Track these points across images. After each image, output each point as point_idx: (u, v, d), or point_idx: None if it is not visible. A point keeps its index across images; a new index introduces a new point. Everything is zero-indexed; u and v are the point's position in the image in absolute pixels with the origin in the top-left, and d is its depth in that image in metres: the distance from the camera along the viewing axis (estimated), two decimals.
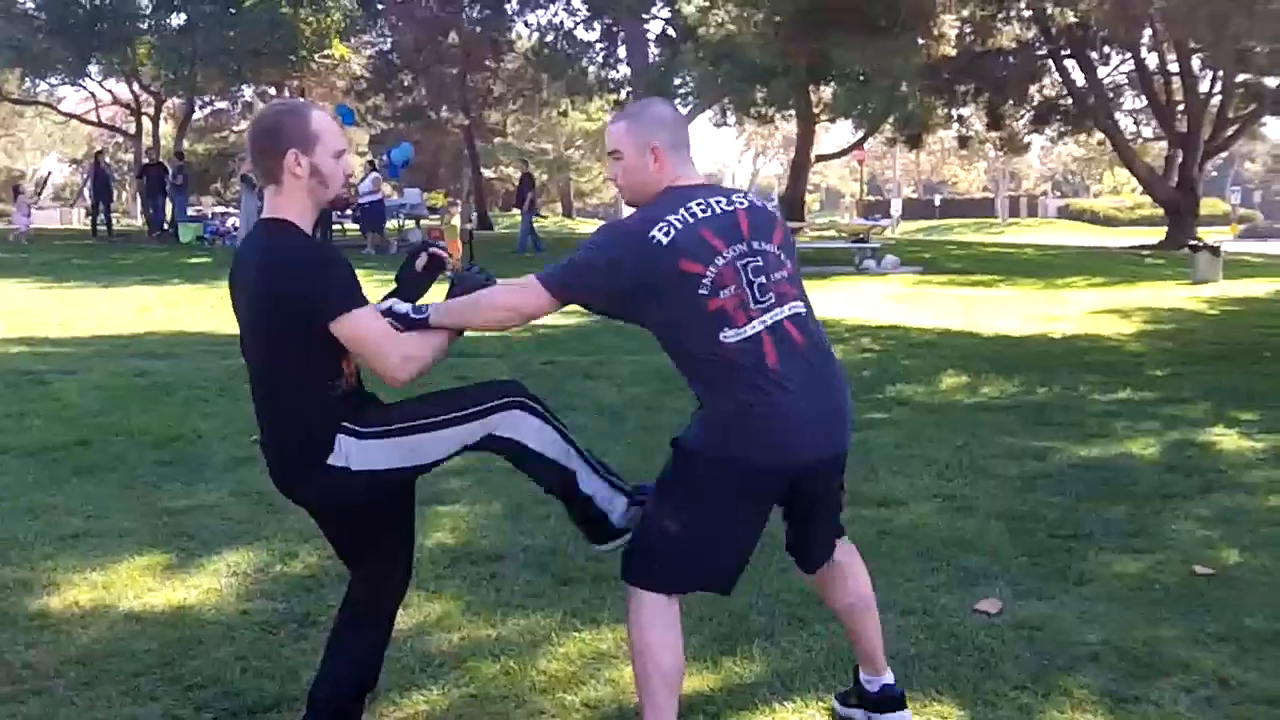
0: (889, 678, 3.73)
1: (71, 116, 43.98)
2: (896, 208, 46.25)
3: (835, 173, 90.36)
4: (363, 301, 3.08)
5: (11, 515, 5.86)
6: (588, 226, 53.77)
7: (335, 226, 25.72)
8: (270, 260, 3.10)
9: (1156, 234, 35.21)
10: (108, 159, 32.16)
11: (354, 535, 3.42)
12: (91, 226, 28.69)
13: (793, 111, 29.50)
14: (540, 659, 4.20)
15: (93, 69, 32.34)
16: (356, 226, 27.60)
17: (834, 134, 44.61)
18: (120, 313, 14.17)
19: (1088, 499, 6.39)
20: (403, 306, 3.34)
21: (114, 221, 29.38)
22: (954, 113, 34.66)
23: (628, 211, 3.44)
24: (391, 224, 28.37)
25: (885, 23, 16.72)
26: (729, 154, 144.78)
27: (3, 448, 7.27)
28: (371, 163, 28.58)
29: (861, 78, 21.85)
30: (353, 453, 3.12)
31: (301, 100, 3.40)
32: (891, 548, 5.55)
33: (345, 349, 3.12)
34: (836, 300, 16.85)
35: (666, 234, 3.21)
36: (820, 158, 42.58)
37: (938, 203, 64.94)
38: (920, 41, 18.87)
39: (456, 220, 20.37)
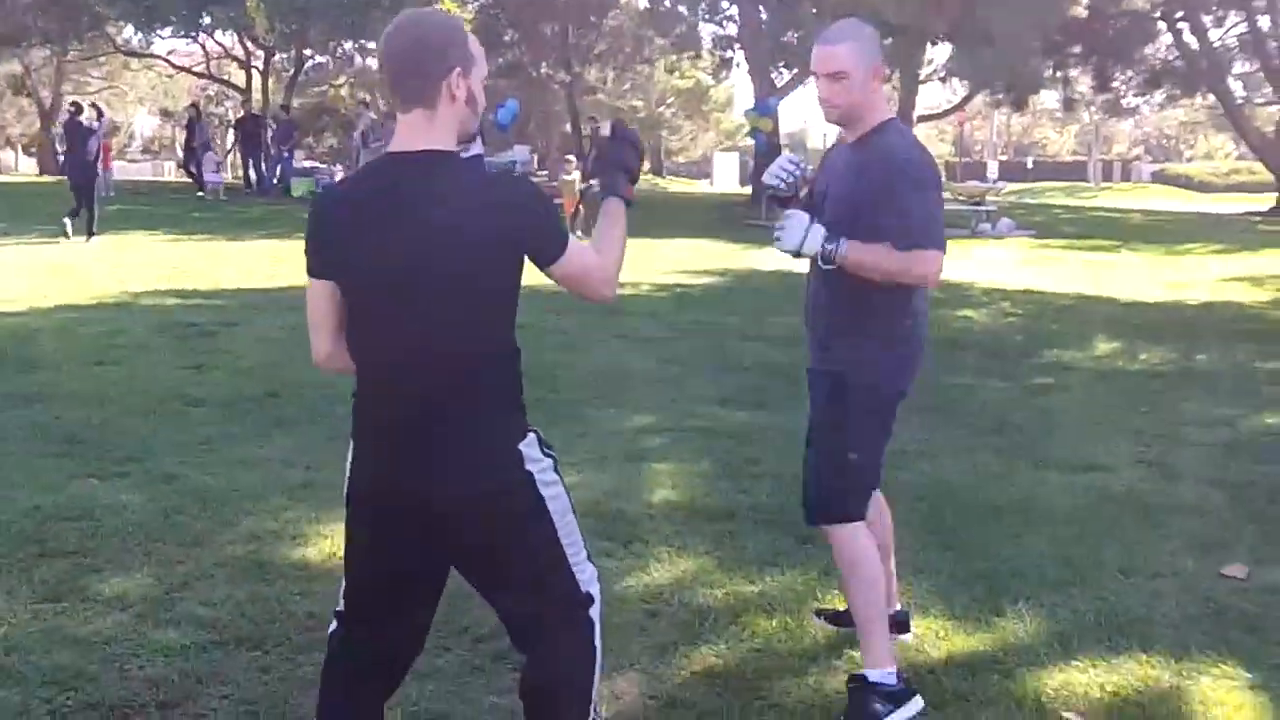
0: (899, 606, 4.00)
1: (180, 69, 44.30)
2: (994, 170, 45.43)
3: (921, 134, 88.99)
4: (569, 232, 2.70)
5: (229, 466, 5.93)
6: (679, 185, 53.62)
7: None
8: (476, 191, 2.58)
9: (1262, 200, 34.38)
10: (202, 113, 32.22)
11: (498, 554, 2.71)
12: (196, 180, 28.60)
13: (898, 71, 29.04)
14: (812, 618, 4.18)
15: (205, 20, 32.54)
16: None
17: (924, 94, 43.85)
18: (257, 265, 14.34)
19: None
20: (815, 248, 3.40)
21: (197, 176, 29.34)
22: (1061, 74, 33.99)
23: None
24: None
25: None
26: (817, 112, 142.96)
27: (195, 400, 7.37)
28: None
29: (981, 39, 21.45)
30: (534, 458, 2.65)
31: (446, 12, 2.87)
32: (1114, 513, 5.50)
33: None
34: (961, 263, 16.58)
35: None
36: (923, 118, 42.00)
37: (1030, 165, 63.72)
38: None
39: (575, 176, 20.27)
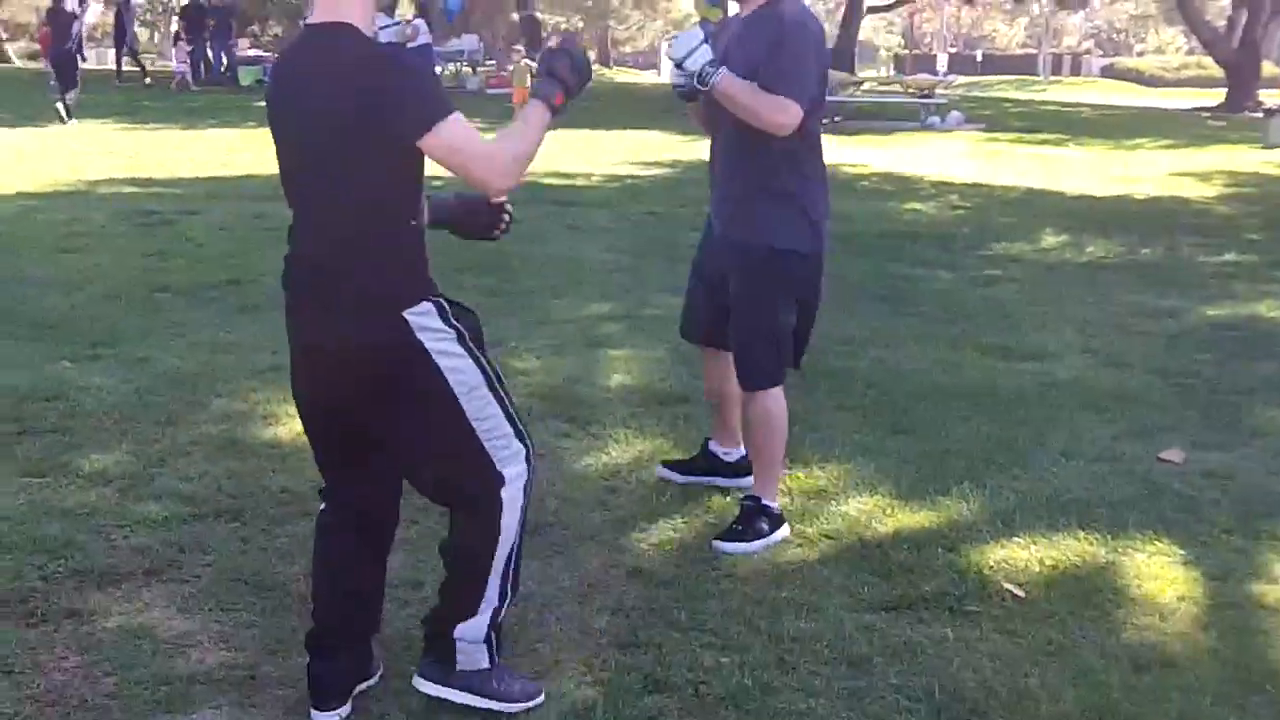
0: (744, 450, 4.33)
1: None
2: (943, 63, 45.33)
3: (869, 25, 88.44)
4: (453, 109, 2.64)
5: (199, 350, 6.06)
6: (626, 76, 53.06)
7: None
8: (345, 71, 2.63)
9: (1212, 96, 34.55)
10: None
11: (381, 414, 2.82)
12: (138, 68, 28.29)
13: None
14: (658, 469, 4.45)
15: None
16: None
17: None
18: (212, 155, 14.22)
19: (1236, 357, 6.52)
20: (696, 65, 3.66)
21: (144, 65, 28.83)
22: None
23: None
24: (449, 69, 28.16)
25: None
26: None
27: (160, 286, 7.44)
28: (420, 7, 28.14)
29: None
30: (427, 327, 2.74)
31: None
32: (1059, 399, 5.73)
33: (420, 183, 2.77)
34: (910, 156, 16.73)
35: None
36: (872, 9, 41.78)
37: (979, 59, 63.54)
38: None
39: (525, 63, 20.09)
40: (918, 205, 12.44)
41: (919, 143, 19.15)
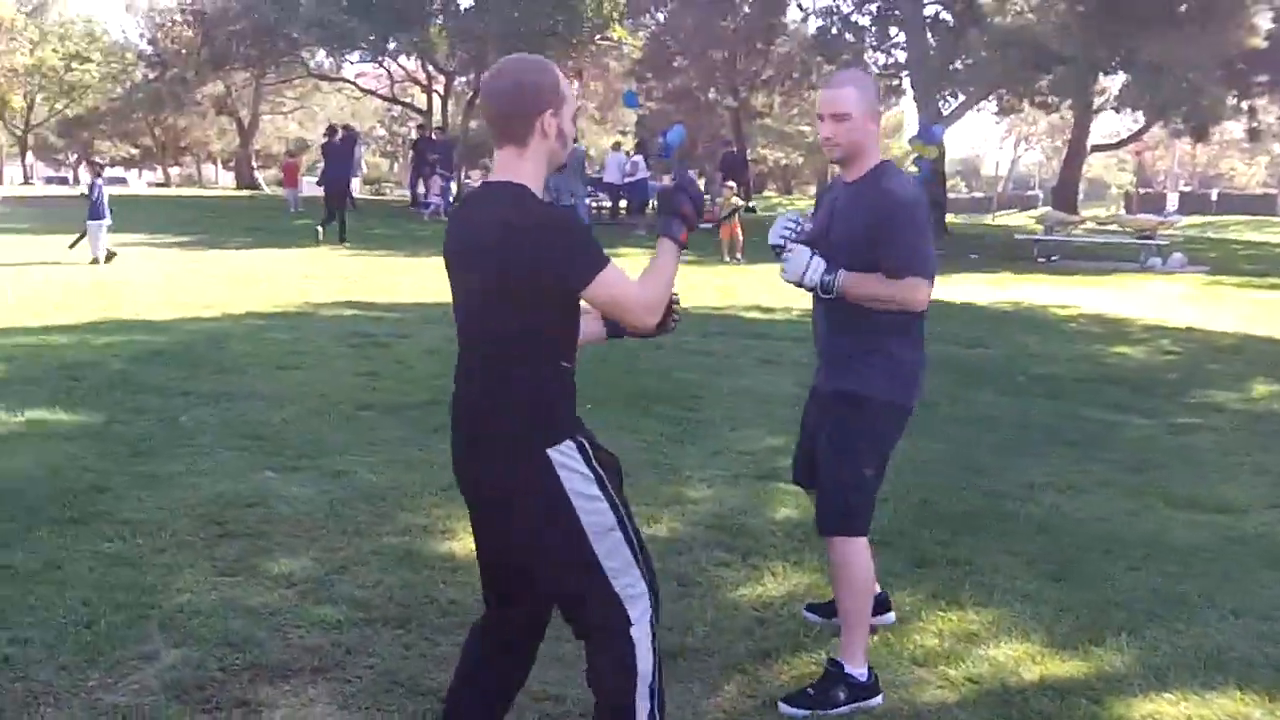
0: (878, 590, 4.31)
1: (367, 92, 46.37)
2: (1174, 202, 44.14)
3: (1100, 162, 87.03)
4: (608, 261, 2.88)
5: (393, 466, 6.44)
6: None
7: (588, 202, 26.19)
8: (513, 231, 2.86)
9: None
10: (384, 132, 33.38)
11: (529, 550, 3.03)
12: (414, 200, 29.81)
13: (1068, 100, 28.71)
14: (914, 634, 4.43)
15: (390, 46, 34.08)
16: (614, 204, 28.27)
17: (1101, 123, 42.78)
18: (430, 281, 15.01)
19: None
20: (816, 280, 3.84)
21: (380, 193, 30.57)
22: (1245, 104, 32.99)
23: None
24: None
25: (1192, 13, 16.07)
26: (986, 140, 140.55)
27: (364, 404, 7.93)
28: (640, 143, 29.17)
29: (1156, 68, 21.12)
30: (567, 465, 2.94)
31: (542, 57, 3.19)
32: (1240, 554, 5.55)
33: (575, 328, 3.01)
34: (1125, 298, 16.41)
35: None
36: (1097, 148, 41.23)
37: (1214, 198, 61.62)
38: (1230, 31, 18.08)
39: (736, 200, 20.62)
40: (1125, 349, 12.19)
41: (1137, 285, 18.73)
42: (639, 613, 3.00)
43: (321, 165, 21.71)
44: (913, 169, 28.44)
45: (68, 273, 14.61)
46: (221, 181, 61.17)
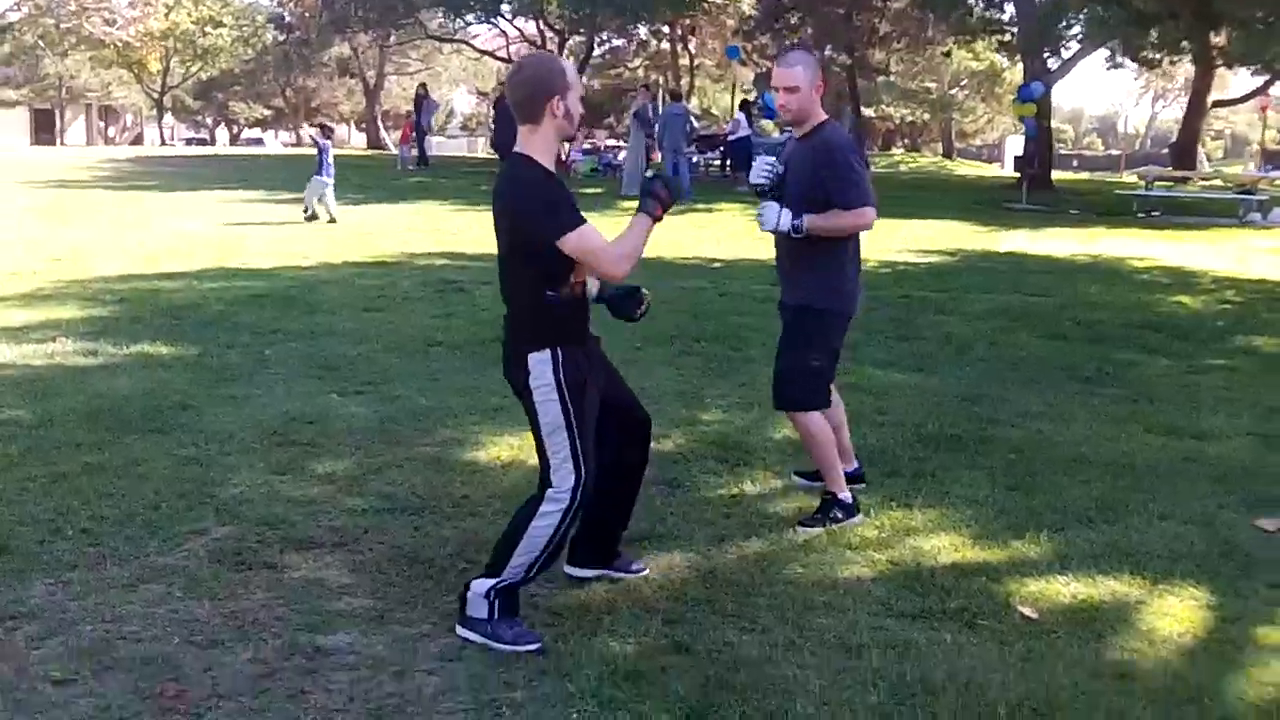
0: (855, 465, 5.51)
1: (484, 53, 47.57)
2: None
3: (1244, 119, 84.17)
4: (581, 221, 3.75)
5: (445, 392, 7.24)
6: (966, 168, 53.02)
7: (695, 160, 26.71)
8: (514, 191, 3.83)
9: None
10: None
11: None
12: (421, 158, 30.27)
13: (1185, 57, 28.31)
14: (859, 529, 5.08)
15: (504, 7, 35.05)
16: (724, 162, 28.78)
17: (1244, 77, 41.69)
18: None
19: None
20: (786, 226, 4.91)
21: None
22: None
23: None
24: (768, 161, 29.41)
25: None
26: (1125, 96, 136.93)
27: (435, 341, 8.77)
28: (745, 103, 29.57)
29: (1261, 24, 20.88)
30: (538, 368, 3.87)
31: (552, 54, 4.19)
32: (1191, 472, 6.07)
33: (571, 263, 3.82)
34: (1210, 252, 16.49)
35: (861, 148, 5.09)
36: (1219, 103, 40.34)
37: None
38: None
39: None
40: (1185, 298, 12.44)
41: (1228, 239, 18.68)
42: (557, 492, 3.92)
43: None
44: (1021, 127, 28.55)
45: (186, 225, 15.75)
46: (353, 141, 62.96)
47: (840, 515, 5.08)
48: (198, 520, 4.93)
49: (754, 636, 3.99)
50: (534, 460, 5.71)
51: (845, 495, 5.14)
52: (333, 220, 16.59)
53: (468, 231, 16.07)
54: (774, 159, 5.11)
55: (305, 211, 16.87)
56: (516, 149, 3.90)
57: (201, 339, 8.58)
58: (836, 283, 5.07)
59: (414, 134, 30.27)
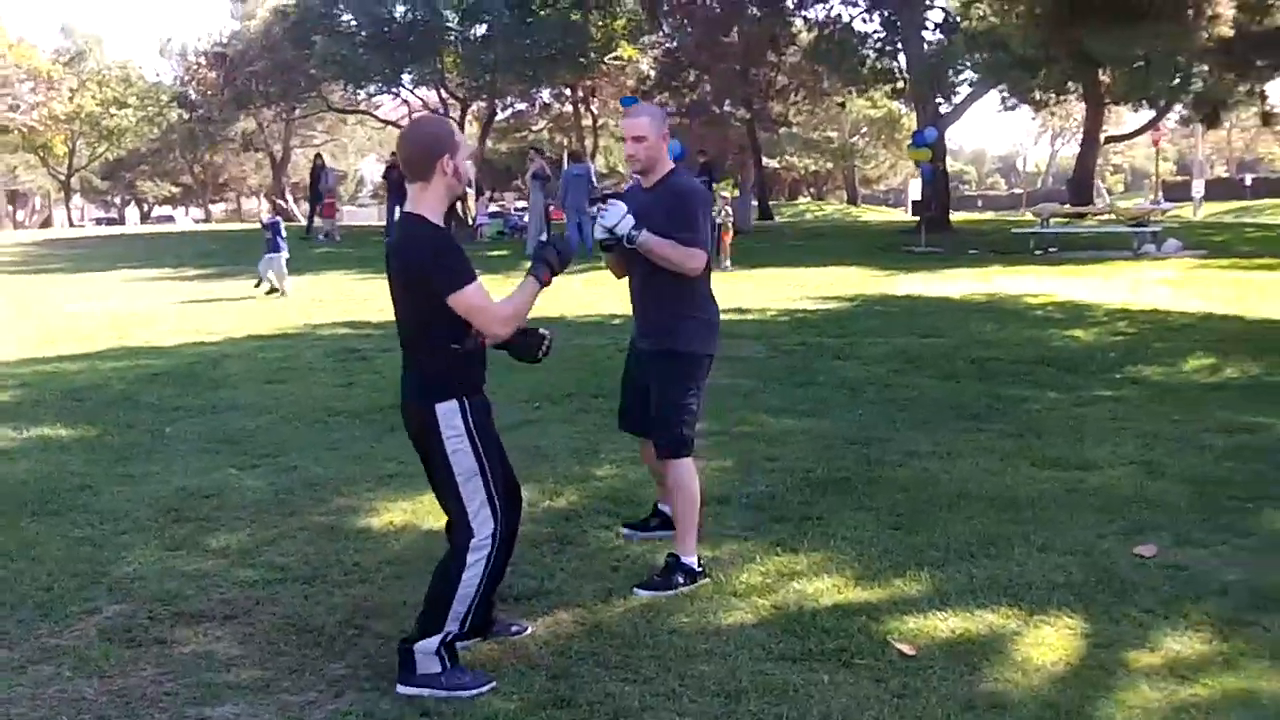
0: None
1: (387, 123, 47.74)
2: (1198, 188, 44.26)
3: (1142, 153, 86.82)
4: (471, 279, 3.92)
5: (342, 460, 7.28)
6: (871, 214, 53.97)
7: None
8: (408, 247, 3.97)
9: None
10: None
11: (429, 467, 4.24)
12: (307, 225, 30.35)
13: (1075, 96, 29.17)
14: (744, 574, 5.20)
15: (405, 78, 35.26)
16: None
17: (1142, 112, 42.98)
18: None
19: None
20: (624, 230, 4.96)
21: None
22: (1256, 89, 33.19)
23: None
24: None
25: (1145, 7, 16.58)
26: (1025, 135, 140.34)
27: (335, 410, 8.80)
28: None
29: (1139, 63, 21.64)
30: (447, 419, 4.01)
31: (442, 117, 4.38)
32: (1073, 503, 6.25)
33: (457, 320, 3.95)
34: (1104, 285, 16.95)
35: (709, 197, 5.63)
36: (1112, 138, 41.58)
37: (1247, 183, 61.45)
38: (1193, 23, 18.51)
39: (728, 211, 21.30)
40: (1078, 332, 12.77)
41: (1121, 271, 19.23)
42: (479, 540, 4.04)
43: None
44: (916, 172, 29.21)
45: (91, 306, 15.62)
46: (264, 215, 62.68)
47: (683, 581, 5.03)
48: (90, 600, 4.93)
49: (636, 687, 4.07)
50: (426, 524, 5.89)
51: (692, 560, 5.12)
52: (281, 293, 16.73)
53: (373, 300, 16.07)
54: (625, 207, 5.06)
55: (258, 284, 17.02)
56: (407, 208, 4.04)
57: (102, 419, 8.53)
58: (696, 325, 5.17)
59: (319, 205, 30.18)
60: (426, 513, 6.11)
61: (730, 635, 4.54)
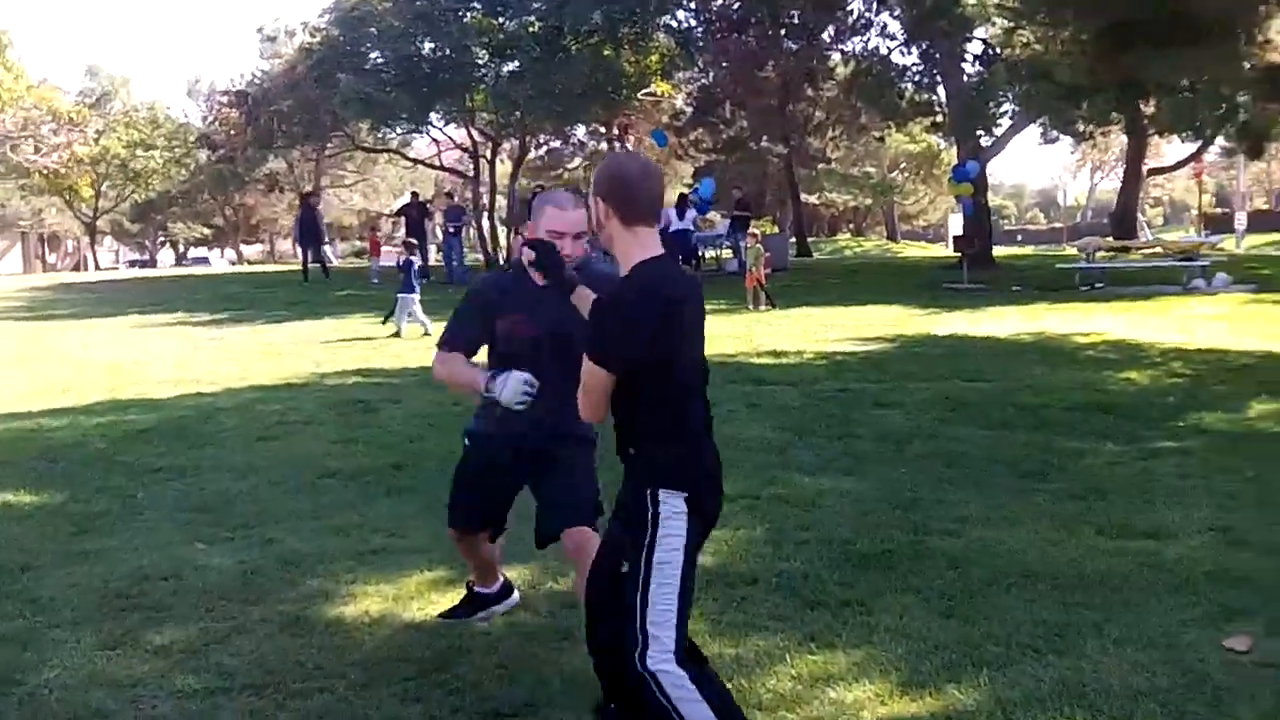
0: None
1: (417, 162, 47.31)
2: (1241, 220, 43.23)
3: (1182, 185, 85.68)
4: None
5: (324, 533, 6.54)
6: (912, 249, 53.11)
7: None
8: None
9: None
10: (455, 199, 33.57)
11: None
12: (302, 267, 29.35)
13: (1118, 127, 28.32)
14: (771, 678, 4.40)
15: (434, 116, 34.73)
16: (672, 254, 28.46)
17: (1178, 144, 42.15)
18: None
19: None
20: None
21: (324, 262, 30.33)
22: None
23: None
24: (711, 253, 29.39)
25: (1197, 33, 15.80)
26: (1064, 169, 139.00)
27: (330, 471, 8.06)
28: (682, 196, 29.37)
29: (1186, 92, 20.81)
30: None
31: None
32: (1149, 581, 5.44)
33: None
34: (1156, 323, 16.12)
35: None
36: (1154, 171, 40.59)
37: None
38: (1245, 50, 17.70)
39: (759, 246, 20.57)
40: (1132, 374, 11.94)
41: (1172, 308, 18.33)
42: None
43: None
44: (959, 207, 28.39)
45: (91, 354, 14.98)
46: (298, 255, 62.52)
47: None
48: None
49: None
50: (407, 613, 5.13)
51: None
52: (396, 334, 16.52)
53: (389, 345, 15.43)
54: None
55: (400, 328, 16.74)
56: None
57: (72, 483, 7.82)
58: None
59: (316, 247, 29.54)
60: (410, 599, 5.37)
61: None
